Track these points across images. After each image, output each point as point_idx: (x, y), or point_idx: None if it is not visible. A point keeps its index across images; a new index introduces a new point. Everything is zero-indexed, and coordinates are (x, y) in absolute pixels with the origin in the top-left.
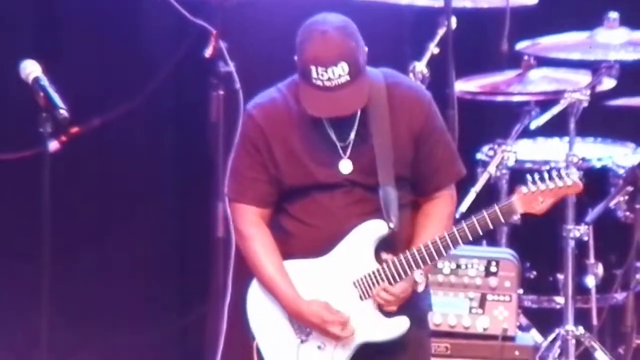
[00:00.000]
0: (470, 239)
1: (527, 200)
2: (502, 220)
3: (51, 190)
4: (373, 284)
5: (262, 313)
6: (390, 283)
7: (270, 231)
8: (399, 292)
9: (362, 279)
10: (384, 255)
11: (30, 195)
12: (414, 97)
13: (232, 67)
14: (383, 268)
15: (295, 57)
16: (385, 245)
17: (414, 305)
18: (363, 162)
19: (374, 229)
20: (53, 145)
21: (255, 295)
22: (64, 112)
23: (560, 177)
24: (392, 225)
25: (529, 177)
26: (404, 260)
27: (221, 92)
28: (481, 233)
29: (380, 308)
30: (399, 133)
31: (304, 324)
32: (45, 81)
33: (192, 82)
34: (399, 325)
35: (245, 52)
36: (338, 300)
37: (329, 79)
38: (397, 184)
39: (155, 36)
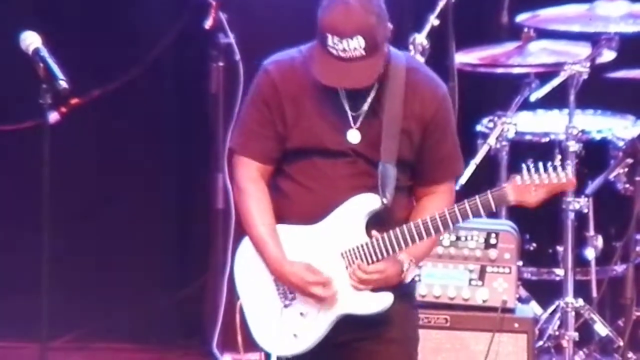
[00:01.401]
0: (460, 222)
1: (520, 190)
2: (493, 207)
3: (51, 162)
4: (359, 257)
5: (248, 274)
6: (373, 260)
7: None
8: (372, 271)
9: (349, 251)
10: (374, 232)
11: (30, 166)
12: (430, 87)
13: (232, 38)
14: (371, 242)
15: (317, 22)
16: (377, 222)
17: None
18: (371, 136)
19: (367, 203)
20: (53, 116)
21: (243, 255)
22: (63, 84)
23: (556, 172)
24: (385, 201)
25: (524, 167)
26: (389, 238)
27: (221, 64)
28: (471, 217)
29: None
30: (409, 116)
31: (286, 284)
32: (45, 52)
33: (192, 53)
34: (382, 301)
35: (245, 23)
36: (324, 267)
37: (344, 50)
38: (399, 165)
39: (155, 7)
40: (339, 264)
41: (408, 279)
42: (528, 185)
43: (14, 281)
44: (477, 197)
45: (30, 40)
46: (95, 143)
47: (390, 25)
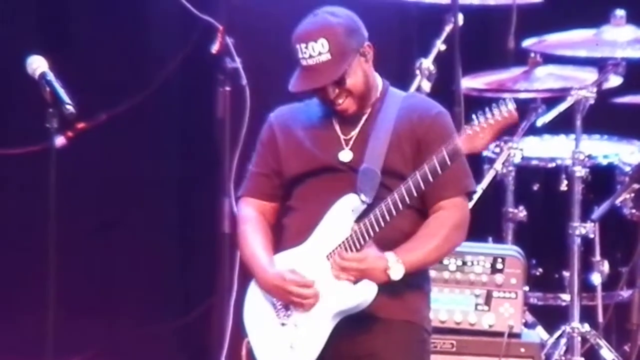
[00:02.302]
0: (422, 186)
1: (470, 139)
2: (449, 162)
3: (57, 185)
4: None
5: (254, 308)
6: (353, 252)
7: (272, 230)
8: (351, 258)
9: (333, 251)
10: (353, 225)
11: (36, 190)
12: (424, 106)
13: (238, 63)
14: (349, 236)
15: None
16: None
17: (405, 298)
18: (362, 152)
19: (347, 203)
20: (59, 140)
21: (251, 294)
22: (70, 108)
23: (498, 110)
24: (363, 197)
25: (473, 117)
26: (364, 226)
27: (228, 88)
28: (431, 178)
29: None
30: (400, 132)
31: (271, 291)
32: (51, 76)
33: (199, 78)
34: (364, 291)
35: (252, 48)
36: (313, 275)
37: (310, 56)
38: (388, 173)
39: (161, 32)
40: (325, 267)
41: (394, 277)
42: (476, 132)
43: (19, 303)
44: (433, 156)
45: (37, 64)
46: (102, 167)
47: (367, 43)
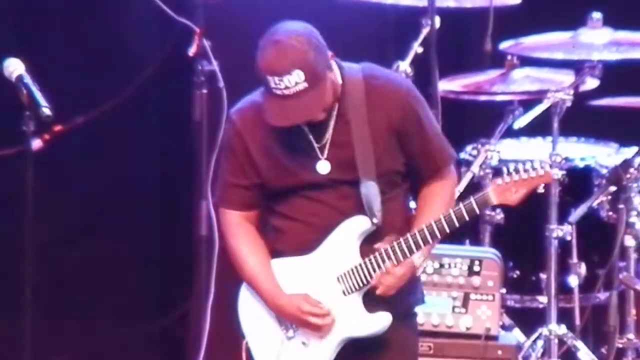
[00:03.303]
0: (447, 230)
1: (501, 191)
2: (477, 212)
3: (34, 189)
4: (356, 278)
5: (252, 312)
6: (367, 279)
7: (259, 231)
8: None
9: (345, 274)
10: (376, 245)
11: (13, 193)
12: (391, 89)
13: (215, 66)
14: (364, 263)
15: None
16: (373, 240)
17: (399, 303)
18: (342, 160)
19: (357, 225)
20: (36, 143)
21: (246, 295)
22: (47, 111)
23: (533, 168)
24: (375, 220)
25: (504, 169)
26: (378, 256)
27: (205, 91)
28: (457, 224)
29: (363, 304)
30: (377, 126)
31: (285, 317)
32: (28, 79)
33: (176, 80)
34: (381, 321)
35: (229, 51)
36: (322, 295)
37: (287, 87)
38: (381, 179)
39: (138, 35)
40: (336, 289)
41: (420, 270)
42: (508, 184)
43: None
44: (461, 204)
45: (14, 67)
46: (78, 170)
47: (329, 52)
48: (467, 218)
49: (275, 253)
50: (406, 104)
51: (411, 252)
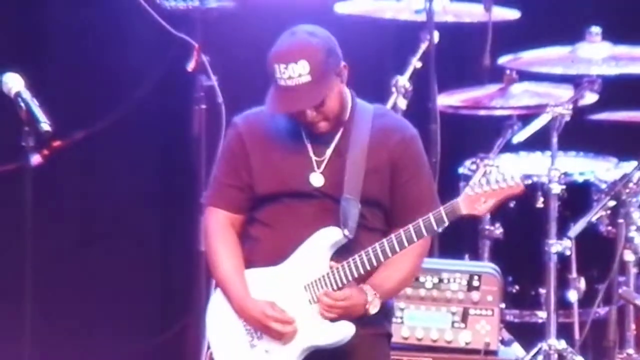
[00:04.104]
0: (415, 240)
1: (471, 201)
2: (446, 221)
3: (33, 204)
4: (321, 287)
5: (219, 319)
6: (334, 289)
7: (239, 240)
8: (338, 297)
9: (312, 283)
10: (332, 263)
11: (12, 208)
12: (398, 128)
13: (214, 81)
14: (331, 272)
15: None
16: (344, 255)
17: (368, 318)
18: (335, 176)
19: (329, 235)
20: (35, 158)
21: (215, 302)
22: (46, 126)
23: (504, 179)
24: (346, 232)
25: (474, 178)
26: (348, 265)
27: (203, 106)
28: (426, 234)
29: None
30: (376, 155)
31: (248, 321)
32: (27, 95)
33: (175, 95)
34: (342, 331)
35: (228, 66)
36: (289, 303)
37: (290, 77)
38: (366, 203)
39: (138, 49)
40: (302, 297)
41: (372, 312)
42: (478, 195)
43: None
44: (430, 214)
45: (12, 83)
46: (77, 185)
47: (343, 63)
48: (435, 228)
49: (248, 263)
50: (410, 146)
51: (373, 262)
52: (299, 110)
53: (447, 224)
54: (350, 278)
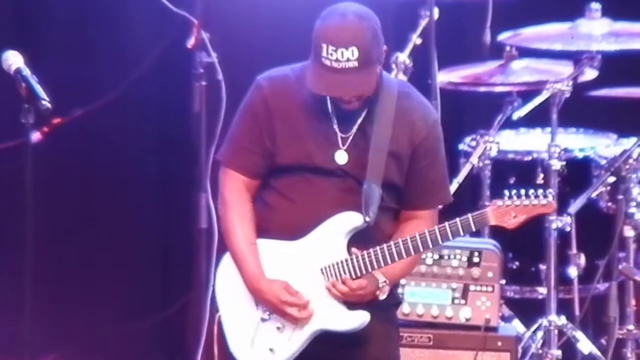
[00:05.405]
0: (440, 242)
1: (500, 213)
2: (473, 229)
3: (33, 181)
4: (338, 273)
5: (229, 287)
6: (351, 277)
7: (253, 205)
8: (356, 287)
9: (329, 267)
10: (354, 250)
11: (12, 186)
12: (421, 112)
13: (214, 57)
14: (350, 259)
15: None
16: (360, 240)
17: (380, 307)
18: (358, 156)
19: (349, 220)
20: (35, 136)
21: (225, 268)
22: (46, 103)
23: (536, 196)
24: (368, 219)
25: (506, 192)
26: (368, 256)
27: (203, 83)
28: (451, 238)
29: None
30: (398, 140)
31: (262, 301)
32: (27, 72)
33: (175, 72)
34: (359, 319)
35: (228, 42)
36: (303, 284)
37: (337, 60)
38: (385, 187)
39: (137, 27)
40: (317, 280)
41: (381, 298)
42: (509, 208)
43: None
44: (457, 219)
45: (12, 59)
46: (77, 162)
47: (385, 48)
48: (462, 233)
49: (261, 230)
50: (432, 132)
51: (395, 258)
52: (345, 95)
53: (474, 230)
54: (370, 269)
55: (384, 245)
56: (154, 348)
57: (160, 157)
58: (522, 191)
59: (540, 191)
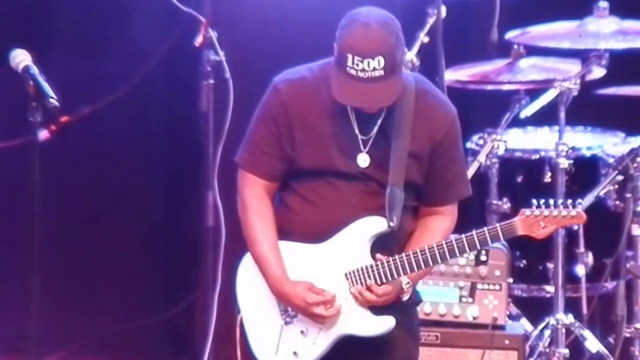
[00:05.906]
0: (468, 251)
1: (529, 223)
2: (502, 239)
3: (41, 179)
4: (363, 279)
5: (250, 288)
6: (377, 283)
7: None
8: (382, 293)
9: (354, 272)
10: (379, 255)
11: (19, 184)
12: (440, 109)
13: (222, 56)
14: (376, 265)
15: (334, 44)
16: (383, 243)
17: (401, 307)
18: (380, 159)
19: (374, 225)
20: (43, 134)
21: (246, 269)
22: (54, 101)
23: (565, 206)
24: (392, 224)
25: (534, 201)
26: (394, 263)
27: (211, 82)
28: (479, 247)
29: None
30: (418, 139)
31: (287, 304)
32: (35, 70)
33: (182, 71)
34: (385, 324)
35: (235, 41)
36: (327, 287)
37: (363, 70)
38: (406, 188)
39: (145, 25)
40: (342, 285)
41: (404, 299)
42: (537, 218)
43: (3, 297)
44: (485, 229)
45: (21, 58)
46: (85, 160)
47: (405, 50)
48: (490, 243)
49: (283, 234)
50: (450, 129)
51: (422, 266)
52: (372, 106)
53: (502, 240)
54: (396, 276)
55: (410, 253)
56: (161, 346)
57: (167, 155)
58: (551, 201)
59: (569, 201)
